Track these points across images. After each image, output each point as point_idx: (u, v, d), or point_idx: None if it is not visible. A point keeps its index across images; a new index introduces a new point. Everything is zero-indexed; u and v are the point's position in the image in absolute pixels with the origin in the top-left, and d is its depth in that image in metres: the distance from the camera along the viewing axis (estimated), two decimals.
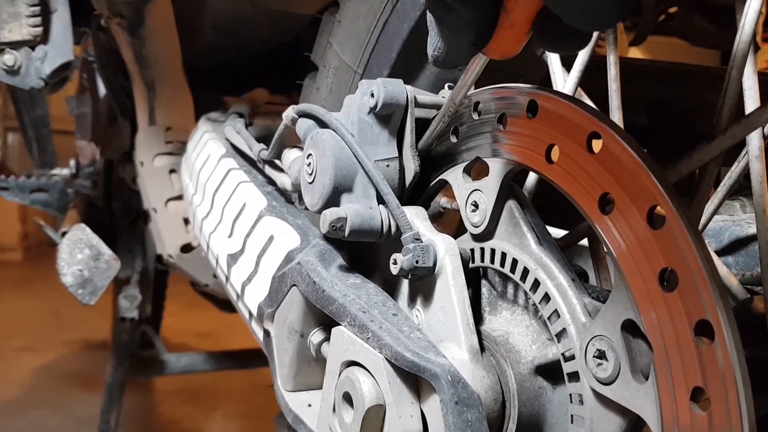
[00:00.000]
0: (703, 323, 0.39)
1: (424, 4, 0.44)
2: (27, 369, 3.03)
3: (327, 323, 0.68)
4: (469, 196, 0.59)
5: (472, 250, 0.60)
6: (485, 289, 0.62)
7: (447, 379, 0.50)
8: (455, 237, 0.60)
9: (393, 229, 0.63)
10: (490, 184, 0.57)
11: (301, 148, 0.76)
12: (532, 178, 0.64)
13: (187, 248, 1.50)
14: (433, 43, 0.47)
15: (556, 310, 0.51)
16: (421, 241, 0.58)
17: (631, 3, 0.39)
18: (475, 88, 0.61)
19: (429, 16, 0.46)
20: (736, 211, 0.73)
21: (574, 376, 0.49)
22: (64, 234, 1.39)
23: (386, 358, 0.54)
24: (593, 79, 0.64)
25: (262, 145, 0.91)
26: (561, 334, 0.51)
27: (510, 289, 0.60)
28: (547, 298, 0.52)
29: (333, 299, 0.62)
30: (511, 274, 0.55)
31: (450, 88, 0.77)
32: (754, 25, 0.52)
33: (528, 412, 0.54)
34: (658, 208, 0.42)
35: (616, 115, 0.59)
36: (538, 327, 0.57)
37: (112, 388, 2.18)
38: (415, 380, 0.54)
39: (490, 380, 0.55)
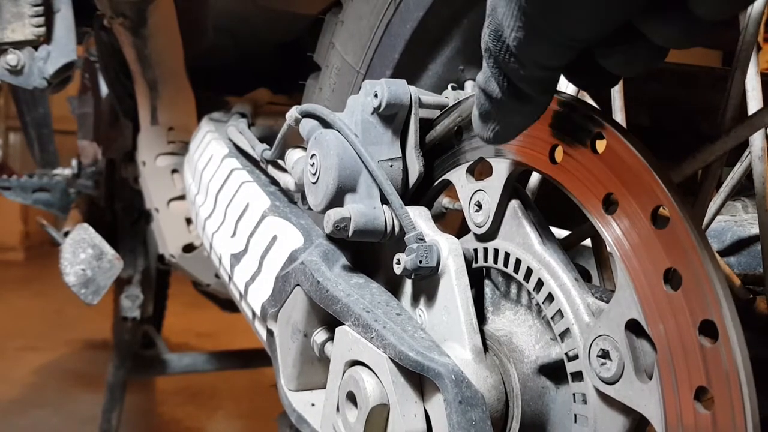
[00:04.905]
0: (707, 323, 0.40)
1: (496, 94, 0.43)
2: (29, 368, 3.04)
3: (330, 323, 0.68)
4: (472, 196, 0.59)
5: (476, 250, 0.60)
6: (488, 289, 0.62)
7: (451, 378, 0.51)
8: (458, 237, 0.60)
9: (396, 229, 0.63)
10: (494, 185, 0.57)
11: (304, 148, 0.76)
12: (535, 178, 0.64)
13: (189, 248, 1.51)
14: (488, 126, 0.46)
15: (559, 310, 0.51)
16: (425, 241, 0.59)
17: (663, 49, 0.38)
18: None
19: (486, 103, 0.44)
20: (738, 211, 0.73)
21: (578, 376, 0.50)
22: (66, 234, 1.40)
23: (390, 358, 0.55)
24: None
25: (264, 145, 0.91)
26: (564, 334, 0.51)
27: (513, 289, 0.60)
28: (550, 297, 0.52)
29: (336, 299, 0.63)
30: (514, 274, 0.56)
31: (453, 88, 0.77)
32: (757, 25, 0.52)
33: (531, 411, 0.55)
34: (662, 208, 0.42)
35: (620, 116, 0.60)
36: (541, 327, 0.57)
37: (114, 387, 2.18)
38: (419, 380, 0.54)
39: (493, 380, 0.55)
